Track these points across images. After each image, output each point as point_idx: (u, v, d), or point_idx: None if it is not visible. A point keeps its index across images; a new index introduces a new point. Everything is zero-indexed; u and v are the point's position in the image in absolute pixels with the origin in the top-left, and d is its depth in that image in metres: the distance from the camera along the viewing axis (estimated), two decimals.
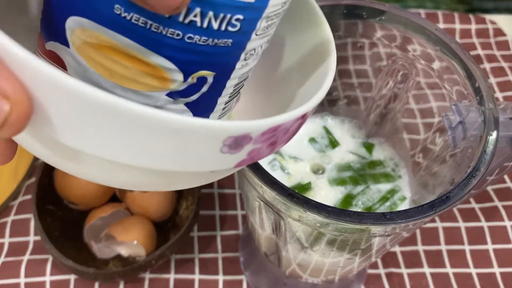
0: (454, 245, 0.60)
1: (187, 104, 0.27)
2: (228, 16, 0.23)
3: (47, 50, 0.26)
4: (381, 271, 0.57)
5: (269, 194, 0.34)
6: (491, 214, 0.62)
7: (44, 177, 0.56)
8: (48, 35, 0.26)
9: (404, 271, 0.58)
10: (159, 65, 0.24)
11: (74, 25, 0.24)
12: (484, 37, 0.80)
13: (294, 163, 0.47)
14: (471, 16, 0.81)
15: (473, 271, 0.58)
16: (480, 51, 0.78)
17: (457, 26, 0.80)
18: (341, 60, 0.49)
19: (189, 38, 0.23)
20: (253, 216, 0.43)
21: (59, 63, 0.26)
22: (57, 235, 0.55)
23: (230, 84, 0.28)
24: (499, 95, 0.73)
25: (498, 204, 0.63)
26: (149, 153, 0.22)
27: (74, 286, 0.55)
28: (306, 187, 0.45)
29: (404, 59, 0.45)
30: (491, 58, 0.77)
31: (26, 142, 0.25)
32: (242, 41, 0.25)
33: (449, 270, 0.58)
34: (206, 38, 0.24)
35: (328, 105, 0.51)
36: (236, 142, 0.23)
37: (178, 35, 0.23)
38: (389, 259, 0.58)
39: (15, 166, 0.62)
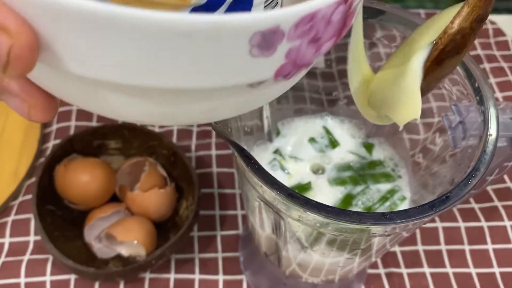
0: (454, 245, 0.60)
1: None
2: None
3: None
4: (381, 271, 0.58)
5: (269, 194, 0.34)
6: (491, 214, 0.62)
7: (44, 177, 0.56)
8: None
9: (404, 271, 0.58)
10: None
11: None
12: (484, 37, 0.80)
13: (294, 163, 0.47)
14: None
15: (473, 271, 0.58)
16: (480, 51, 0.78)
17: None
18: (341, 60, 0.49)
19: None
20: (253, 216, 0.43)
21: None
22: (57, 235, 0.55)
23: None
24: (499, 95, 0.73)
25: (498, 204, 0.63)
26: (165, 67, 0.19)
27: (74, 286, 0.55)
28: (306, 187, 0.45)
29: None
30: (491, 58, 0.77)
31: (49, 85, 0.23)
32: None
33: (449, 270, 0.58)
34: None
35: (328, 105, 0.51)
36: (266, 40, 0.19)
37: None
38: (389, 259, 0.58)
39: (15, 166, 0.63)
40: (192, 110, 0.23)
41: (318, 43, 0.21)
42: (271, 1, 0.26)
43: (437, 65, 0.31)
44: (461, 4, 0.29)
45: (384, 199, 0.45)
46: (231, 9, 0.23)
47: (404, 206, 0.45)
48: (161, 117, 0.23)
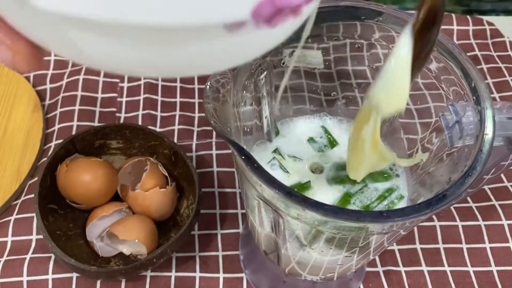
0: (452, 244, 0.60)
1: None
2: None
3: None
4: (380, 269, 0.58)
5: (268, 192, 0.34)
6: (489, 213, 0.62)
7: (46, 177, 0.57)
8: None
9: (402, 269, 0.58)
10: None
11: None
12: (482, 38, 0.80)
13: (293, 163, 0.48)
14: (469, 18, 0.82)
15: (470, 269, 0.58)
16: (477, 52, 0.79)
17: (455, 27, 0.81)
18: (339, 60, 0.49)
19: None
20: (253, 215, 0.44)
21: None
22: (59, 234, 0.55)
23: None
24: (496, 95, 0.74)
25: (496, 203, 0.63)
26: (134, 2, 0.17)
27: (76, 284, 0.56)
28: (306, 186, 0.46)
29: None
30: (489, 59, 0.78)
31: (31, 31, 0.22)
32: None
33: (446, 268, 0.58)
34: None
35: (327, 105, 0.52)
36: None
37: None
38: (387, 257, 0.59)
39: (17, 165, 0.63)
40: (169, 56, 0.21)
41: None
42: None
43: (420, 40, 0.33)
44: None
45: (382, 197, 0.45)
46: None
47: (401, 205, 0.45)
48: (138, 64, 0.21)
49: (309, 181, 0.46)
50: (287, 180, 0.46)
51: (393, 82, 0.34)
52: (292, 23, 0.21)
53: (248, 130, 0.46)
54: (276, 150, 0.48)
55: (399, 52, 0.33)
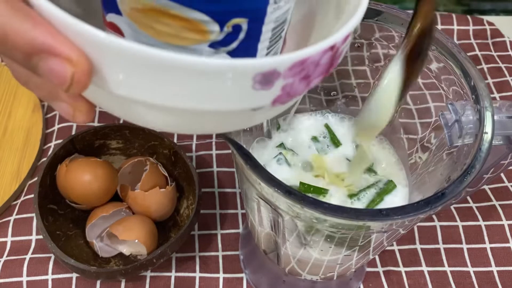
0: (452, 244, 0.60)
1: (229, 53, 0.29)
2: None
3: (108, 22, 0.29)
4: (380, 269, 0.58)
5: (267, 191, 0.34)
6: (489, 213, 0.62)
7: (46, 177, 0.57)
8: (106, 8, 0.29)
9: (402, 269, 0.58)
10: (195, 19, 0.26)
11: None
12: (482, 38, 0.80)
13: (291, 157, 0.48)
14: (469, 17, 0.82)
15: (470, 269, 0.58)
16: (478, 52, 0.79)
17: (455, 27, 0.81)
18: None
19: None
20: (252, 214, 0.44)
21: (118, 31, 0.29)
22: (59, 234, 0.55)
23: (267, 29, 0.29)
24: (496, 95, 0.74)
25: (496, 203, 0.63)
26: (190, 94, 0.24)
27: (76, 285, 0.56)
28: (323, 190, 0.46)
29: None
30: (489, 59, 0.78)
31: (93, 98, 0.28)
32: None
33: (447, 268, 0.58)
34: None
35: (327, 105, 0.52)
36: (266, 78, 0.24)
37: None
38: (387, 257, 0.59)
39: (17, 165, 0.63)
40: (205, 124, 0.29)
41: (308, 79, 0.26)
42: (275, 43, 0.31)
43: (411, 62, 0.35)
44: None
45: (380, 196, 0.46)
46: (241, 44, 0.29)
47: (397, 195, 0.46)
48: (179, 127, 0.30)
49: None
50: (293, 175, 0.46)
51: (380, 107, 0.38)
52: (297, 99, 0.29)
53: (248, 129, 0.46)
54: (281, 145, 0.48)
55: (388, 83, 0.36)
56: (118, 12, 0.28)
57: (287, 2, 0.29)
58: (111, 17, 0.29)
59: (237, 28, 0.28)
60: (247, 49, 0.29)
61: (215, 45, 0.28)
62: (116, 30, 0.29)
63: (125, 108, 0.28)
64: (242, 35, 0.28)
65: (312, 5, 0.37)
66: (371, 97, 0.37)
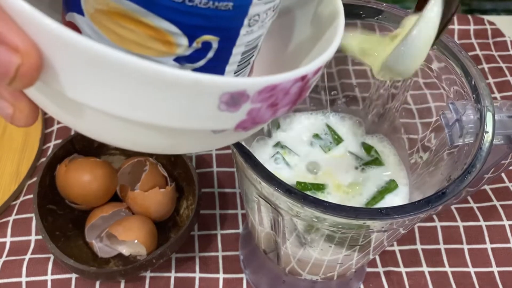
0: (453, 244, 0.60)
1: (194, 70, 0.27)
2: None
3: (67, 21, 0.28)
4: (380, 269, 0.58)
5: (267, 189, 0.34)
6: (490, 213, 0.62)
7: (45, 177, 0.57)
8: (67, 6, 0.27)
9: (403, 270, 0.58)
10: (164, 29, 0.25)
11: None
12: (483, 37, 0.80)
13: (291, 157, 0.48)
14: (470, 17, 0.82)
15: (471, 270, 0.58)
16: (478, 52, 0.78)
17: (456, 26, 0.81)
18: (340, 60, 0.49)
19: (190, 0, 0.24)
20: (252, 214, 0.44)
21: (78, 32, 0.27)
22: (58, 234, 0.55)
23: (237, 52, 0.28)
24: (497, 95, 0.74)
25: (497, 203, 0.63)
26: (146, 106, 0.23)
27: (75, 285, 0.56)
28: (321, 187, 0.46)
29: None
30: (490, 59, 0.78)
31: (38, 98, 0.26)
32: (243, 5, 0.26)
33: (447, 269, 0.58)
34: (206, 0, 0.24)
35: (327, 104, 0.52)
36: (233, 99, 0.23)
37: None
38: (388, 258, 0.59)
39: (16, 166, 0.63)
40: (160, 142, 0.27)
41: (276, 107, 0.25)
42: (243, 68, 0.30)
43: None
44: None
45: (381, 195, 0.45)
46: (209, 63, 0.28)
47: (398, 194, 0.46)
48: (131, 143, 0.27)
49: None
50: (292, 174, 0.46)
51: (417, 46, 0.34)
52: (259, 127, 0.28)
53: None
54: (278, 144, 0.48)
55: (429, 14, 0.32)
56: (80, 12, 0.26)
57: (260, 27, 0.28)
58: (71, 17, 0.27)
59: (206, 46, 0.27)
60: (214, 70, 0.28)
61: (181, 60, 0.27)
62: (75, 30, 0.27)
63: (74, 114, 0.26)
64: (211, 54, 0.27)
65: (284, 35, 0.36)
66: (400, 46, 0.35)
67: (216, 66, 0.28)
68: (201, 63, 0.27)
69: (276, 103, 0.25)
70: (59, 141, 0.65)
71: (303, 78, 0.25)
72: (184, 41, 0.26)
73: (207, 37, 0.26)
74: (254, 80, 0.23)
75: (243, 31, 0.27)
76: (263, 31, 0.29)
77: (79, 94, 0.23)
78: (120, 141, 0.28)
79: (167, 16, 0.25)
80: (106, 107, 0.23)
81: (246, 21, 0.27)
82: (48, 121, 0.69)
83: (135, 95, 0.22)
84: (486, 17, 0.82)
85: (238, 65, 0.29)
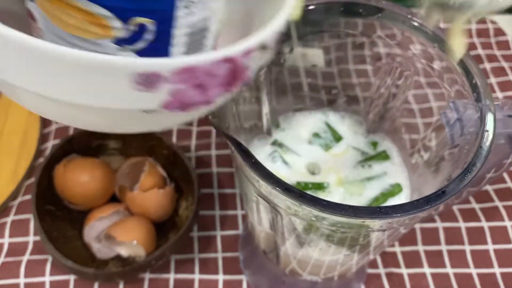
0: (455, 245, 0.60)
1: (137, 53, 0.29)
2: None
3: (27, 8, 0.29)
4: (381, 270, 0.57)
5: (266, 188, 0.34)
6: (492, 214, 0.62)
7: (43, 178, 0.57)
8: None
9: (404, 271, 0.58)
10: (98, 13, 0.26)
11: None
12: (485, 36, 0.80)
13: (291, 157, 0.47)
14: None
15: (473, 271, 0.58)
16: (480, 51, 0.78)
17: None
18: (340, 60, 0.49)
19: None
20: (252, 213, 0.43)
21: (33, 19, 0.29)
22: (56, 235, 0.55)
23: (180, 33, 0.29)
24: (499, 95, 0.73)
25: (499, 204, 0.63)
26: (66, 86, 0.24)
27: (74, 287, 0.55)
28: (322, 186, 0.45)
29: (402, 57, 0.45)
30: (492, 58, 0.77)
31: None
32: None
33: (449, 270, 0.58)
34: None
35: (327, 103, 0.52)
36: (147, 79, 0.23)
37: None
38: (389, 259, 0.58)
39: (14, 166, 0.63)
40: (97, 121, 0.28)
41: (204, 88, 0.25)
42: (195, 50, 0.31)
43: None
44: None
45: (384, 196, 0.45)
46: (150, 45, 0.28)
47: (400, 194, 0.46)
48: (71, 121, 0.30)
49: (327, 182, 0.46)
50: (290, 173, 0.46)
51: None
52: (206, 107, 0.27)
53: (248, 127, 0.46)
54: (275, 142, 0.48)
55: None
56: None
57: (203, 9, 0.28)
58: (28, 4, 0.29)
59: (143, 28, 0.27)
60: (157, 51, 0.29)
61: (120, 42, 0.28)
62: (31, 17, 0.29)
63: (11, 93, 0.27)
64: (149, 36, 0.28)
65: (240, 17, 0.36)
66: None
67: (159, 48, 0.29)
68: (141, 45, 0.28)
69: (202, 84, 0.25)
70: (57, 141, 0.65)
71: (228, 60, 0.25)
72: (118, 24, 0.27)
73: (141, 19, 0.27)
74: (166, 61, 0.23)
75: (179, 13, 0.28)
76: (208, 13, 0.29)
77: (5, 76, 0.24)
78: (63, 119, 0.30)
79: (98, 0, 0.26)
80: (32, 88, 0.24)
81: (179, 3, 0.27)
82: (46, 121, 0.69)
83: (53, 77, 0.23)
84: (488, 16, 0.82)
85: (187, 47, 0.30)
